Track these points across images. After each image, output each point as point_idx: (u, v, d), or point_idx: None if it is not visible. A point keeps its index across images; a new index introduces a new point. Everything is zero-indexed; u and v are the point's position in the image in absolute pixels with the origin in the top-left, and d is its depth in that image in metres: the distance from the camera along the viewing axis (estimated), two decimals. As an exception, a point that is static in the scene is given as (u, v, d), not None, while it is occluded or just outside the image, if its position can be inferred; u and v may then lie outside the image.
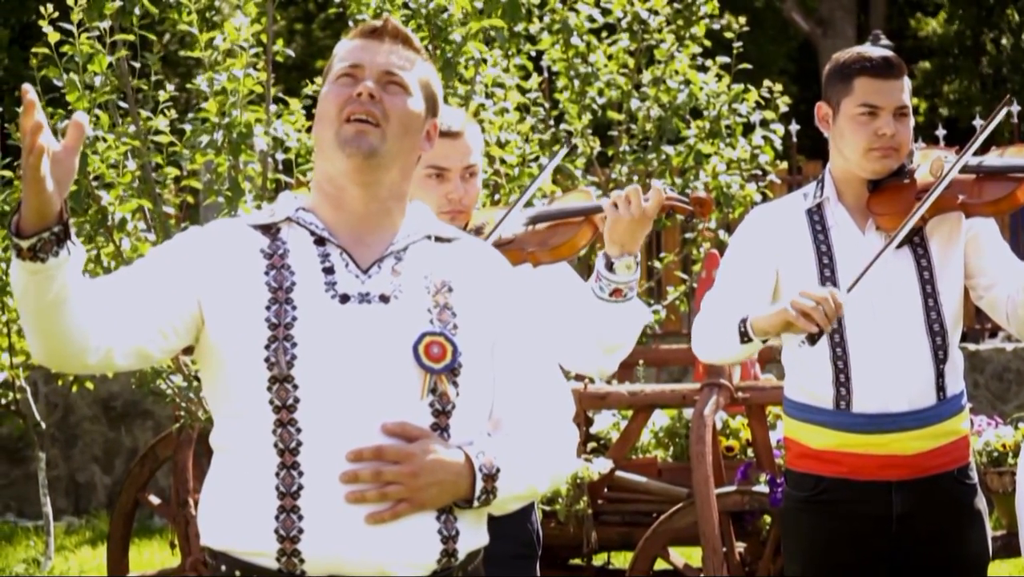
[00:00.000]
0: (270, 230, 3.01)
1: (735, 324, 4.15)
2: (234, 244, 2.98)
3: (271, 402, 2.89)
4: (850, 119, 4.22)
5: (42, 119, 2.67)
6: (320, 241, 2.98)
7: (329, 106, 2.97)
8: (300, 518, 2.87)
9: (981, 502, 4.35)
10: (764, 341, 4.18)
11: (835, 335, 4.22)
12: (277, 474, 2.88)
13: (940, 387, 4.26)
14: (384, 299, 2.95)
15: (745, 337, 4.14)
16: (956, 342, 4.31)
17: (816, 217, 4.29)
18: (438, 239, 3.06)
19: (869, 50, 4.30)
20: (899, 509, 4.24)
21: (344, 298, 2.94)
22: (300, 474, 2.87)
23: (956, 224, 4.28)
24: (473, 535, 2.97)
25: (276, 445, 2.89)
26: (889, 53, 4.29)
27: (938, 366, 4.25)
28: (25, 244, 2.73)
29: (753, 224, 4.37)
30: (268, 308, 2.92)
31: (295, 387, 2.89)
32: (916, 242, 4.24)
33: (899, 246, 4.22)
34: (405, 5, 7.12)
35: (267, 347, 2.89)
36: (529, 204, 4.35)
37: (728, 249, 4.41)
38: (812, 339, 4.03)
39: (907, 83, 4.27)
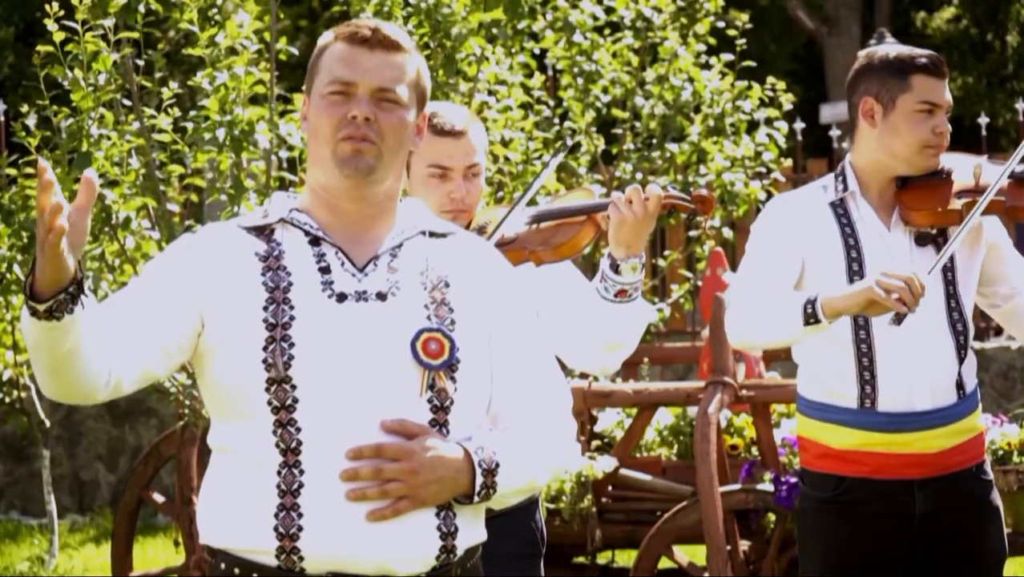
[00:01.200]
0: (264, 231, 3.02)
1: (797, 306, 4.06)
2: (229, 248, 2.99)
3: (270, 403, 2.90)
4: (908, 115, 4.23)
5: (61, 200, 2.67)
6: (315, 241, 2.99)
7: (323, 124, 2.98)
8: (300, 516, 2.87)
9: (997, 498, 4.35)
10: (830, 323, 4.10)
11: (860, 332, 4.21)
12: (279, 473, 2.89)
13: (960, 384, 4.26)
14: (381, 297, 2.95)
15: (812, 319, 4.04)
16: (969, 343, 4.32)
17: (841, 210, 4.28)
18: (433, 235, 3.07)
19: (915, 49, 4.33)
20: (922, 508, 4.23)
21: (341, 297, 2.94)
22: (301, 472, 2.88)
23: (979, 229, 4.28)
24: (472, 531, 2.98)
25: (278, 445, 2.89)
26: (932, 52, 4.33)
27: (959, 364, 4.25)
28: (42, 307, 2.75)
29: (777, 212, 4.33)
30: (266, 309, 2.92)
31: (293, 387, 2.89)
32: (940, 242, 4.24)
33: (924, 244, 4.23)
34: (406, 3, 7.11)
35: (265, 348, 2.90)
36: (532, 203, 4.35)
37: (752, 237, 4.34)
38: (899, 318, 3.98)
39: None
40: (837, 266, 4.23)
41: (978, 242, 4.30)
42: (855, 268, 4.22)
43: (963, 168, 4.31)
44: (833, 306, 4.03)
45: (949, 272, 4.25)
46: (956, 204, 4.21)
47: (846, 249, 4.24)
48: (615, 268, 3.97)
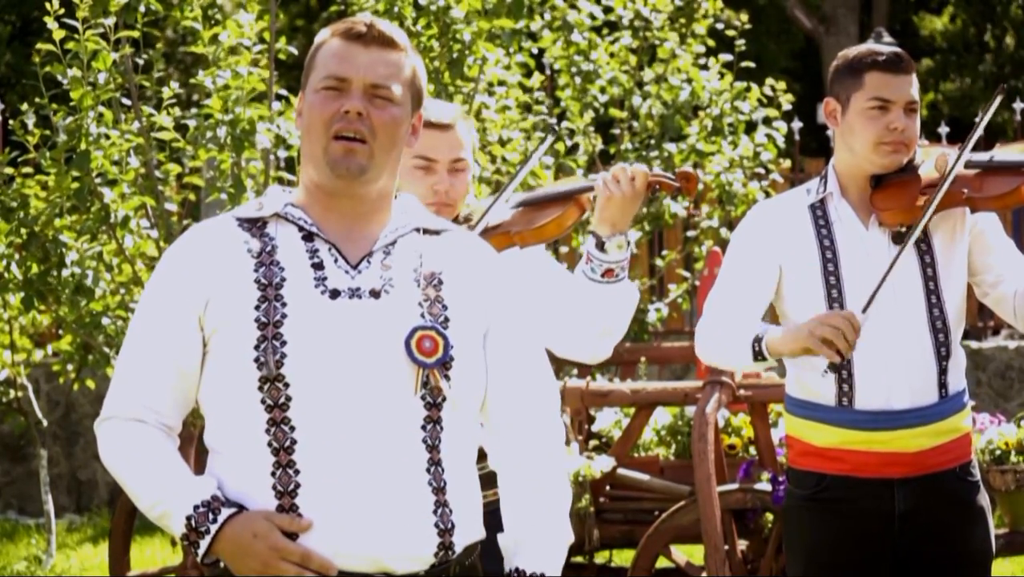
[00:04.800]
0: (257, 224, 3.01)
1: (748, 340, 4.17)
2: (220, 248, 2.99)
3: (263, 402, 2.90)
4: (860, 113, 4.22)
5: None
6: (308, 236, 2.99)
7: (315, 120, 2.98)
8: (298, 516, 2.87)
9: (984, 499, 4.34)
10: (778, 360, 4.20)
11: None
12: (273, 473, 2.89)
13: (942, 384, 4.25)
14: (375, 294, 2.96)
15: (760, 356, 4.17)
16: (959, 339, 4.31)
17: (819, 212, 4.29)
18: (427, 231, 3.07)
19: (878, 46, 4.30)
20: (902, 507, 4.24)
21: (334, 293, 2.95)
22: (296, 472, 2.89)
23: (960, 220, 4.27)
24: (470, 528, 2.99)
25: (271, 444, 2.90)
26: (898, 49, 4.29)
27: (940, 363, 4.24)
28: (205, 559, 2.92)
29: (755, 221, 4.36)
30: (258, 307, 2.93)
31: (286, 385, 2.89)
32: (920, 239, 4.24)
33: (900, 243, 4.22)
34: (415, 4, 7.10)
35: (256, 347, 2.90)
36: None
37: (730, 246, 4.40)
38: (835, 367, 4.06)
39: (915, 79, 4.27)
40: (812, 269, 4.24)
41: (960, 235, 4.28)
42: (830, 269, 4.23)
43: (931, 161, 4.30)
44: (776, 348, 4.16)
45: (929, 268, 4.25)
46: (920, 201, 4.20)
47: (821, 251, 4.25)
48: (601, 246, 3.97)
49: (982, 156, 4.27)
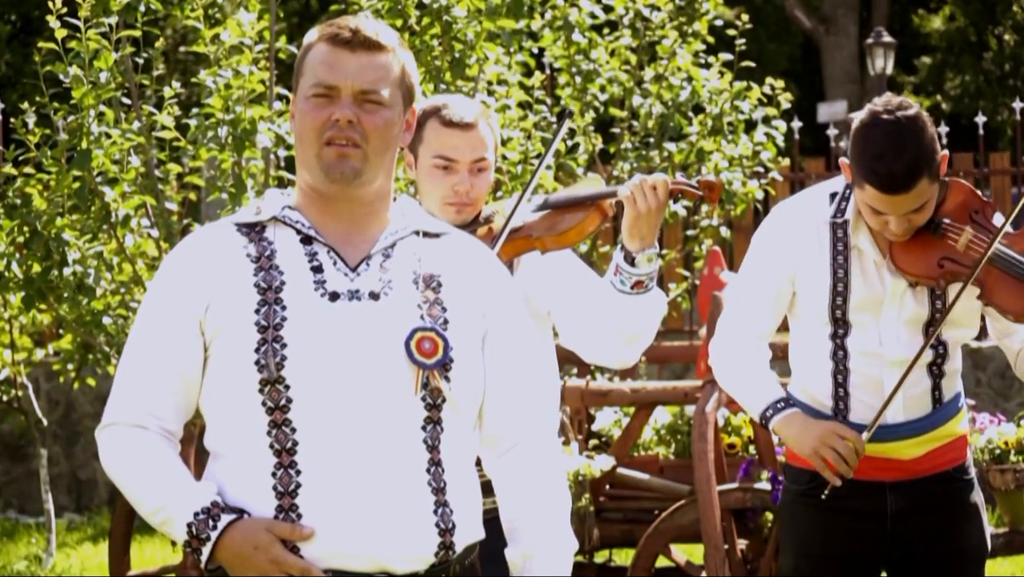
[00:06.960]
0: (256, 228, 3.02)
1: (760, 406, 4.29)
2: (220, 254, 3.00)
3: (264, 404, 2.91)
4: (863, 205, 4.12)
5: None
6: (307, 240, 3.01)
7: (306, 128, 2.99)
8: (299, 517, 2.89)
9: (978, 496, 4.35)
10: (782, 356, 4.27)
11: (839, 351, 4.23)
12: (274, 474, 2.90)
13: (936, 398, 4.27)
14: (374, 296, 2.97)
15: (766, 425, 4.31)
16: (957, 355, 4.31)
17: (840, 233, 4.23)
18: (426, 234, 3.07)
19: (883, 156, 4.03)
20: (894, 507, 4.26)
21: (334, 296, 2.96)
22: (297, 473, 2.90)
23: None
24: (469, 529, 3.00)
25: (272, 446, 2.91)
26: (904, 162, 4.01)
27: (935, 380, 4.26)
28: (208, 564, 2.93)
29: (775, 228, 4.31)
30: (258, 311, 2.94)
31: (287, 388, 2.91)
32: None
33: (915, 285, 4.20)
34: (420, 4, 7.09)
35: (257, 350, 2.91)
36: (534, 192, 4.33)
37: (750, 250, 4.35)
38: (831, 487, 4.18)
39: (923, 186, 4.03)
40: (821, 293, 4.22)
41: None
42: (839, 302, 4.21)
43: (956, 229, 4.18)
44: (781, 433, 4.30)
45: (938, 313, 4.21)
46: (937, 271, 4.14)
47: (833, 281, 4.22)
48: (631, 261, 3.95)
49: (1012, 254, 4.17)
